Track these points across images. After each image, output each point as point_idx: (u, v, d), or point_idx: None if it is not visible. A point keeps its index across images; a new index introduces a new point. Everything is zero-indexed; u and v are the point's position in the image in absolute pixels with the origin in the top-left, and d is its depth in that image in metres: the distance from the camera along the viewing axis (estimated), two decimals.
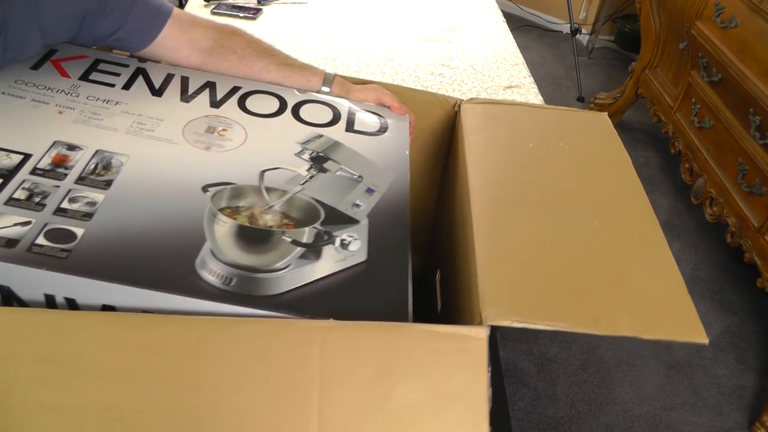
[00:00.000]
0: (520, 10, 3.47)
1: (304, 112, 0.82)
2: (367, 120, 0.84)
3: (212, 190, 0.66)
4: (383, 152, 0.79)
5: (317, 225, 0.65)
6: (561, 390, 1.54)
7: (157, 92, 0.79)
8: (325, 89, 0.87)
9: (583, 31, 3.21)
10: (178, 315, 0.54)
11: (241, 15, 1.53)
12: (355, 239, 0.64)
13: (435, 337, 0.52)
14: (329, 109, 0.84)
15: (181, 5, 2.38)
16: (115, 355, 0.49)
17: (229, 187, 0.67)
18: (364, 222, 0.67)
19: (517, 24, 3.26)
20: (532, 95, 1.26)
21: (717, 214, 1.82)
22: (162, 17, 0.83)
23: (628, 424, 1.48)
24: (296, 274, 0.60)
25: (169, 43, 0.84)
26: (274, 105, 0.82)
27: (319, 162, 0.73)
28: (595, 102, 2.67)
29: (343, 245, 0.63)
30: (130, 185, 0.64)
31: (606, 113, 0.89)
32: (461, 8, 1.69)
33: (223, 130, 0.75)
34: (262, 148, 0.74)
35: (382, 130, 0.83)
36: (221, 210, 0.64)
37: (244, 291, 0.57)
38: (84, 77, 0.78)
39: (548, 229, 0.66)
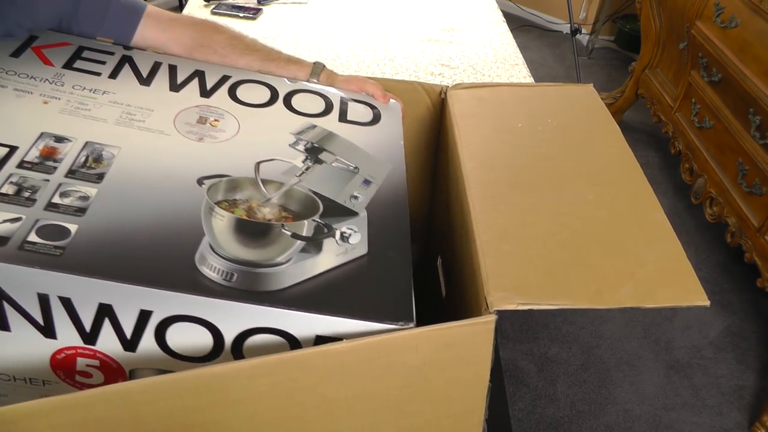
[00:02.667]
0: (520, 10, 3.47)
1: (296, 101, 0.81)
2: (359, 110, 0.83)
3: (208, 182, 0.64)
4: (378, 142, 0.77)
5: (316, 218, 0.64)
6: (561, 390, 1.54)
7: (145, 81, 0.77)
8: (313, 80, 0.87)
9: (583, 31, 3.21)
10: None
11: (241, 15, 1.53)
12: (355, 232, 0.63)
13: (443, 336, 0.53)
14: (321, 99, 0.83)
15: (181, 5, 2.38)
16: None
17: (225, 179, 0.65)
18: (363, 214, 0.66)
19: (517, 24, 3.25)
20: None
21: (717, 214, 1.82)
22: (136, 17, 0.83)
23: (628, 424, 1.48)
24: (298, 268, 0.59)
25: (148, 45, 0.84)
26: (265, 95, 0.81)
27: (314, 153, 0.72)
28: None
29: (344, 238, 0.62)
30: (124, 178, 0.62)
31: (591, 84, 0.90)
32: (461, 8, 1.68)
33: (215, 120, 0.74)
34: (256, 139, 0.72)
35: (375, 119, 0.82)
36: (218, 203, 0.62)
37: (246, 287, 0.56)
38: (68, 65, 0.76)
39: (544, 205, 0.67)
